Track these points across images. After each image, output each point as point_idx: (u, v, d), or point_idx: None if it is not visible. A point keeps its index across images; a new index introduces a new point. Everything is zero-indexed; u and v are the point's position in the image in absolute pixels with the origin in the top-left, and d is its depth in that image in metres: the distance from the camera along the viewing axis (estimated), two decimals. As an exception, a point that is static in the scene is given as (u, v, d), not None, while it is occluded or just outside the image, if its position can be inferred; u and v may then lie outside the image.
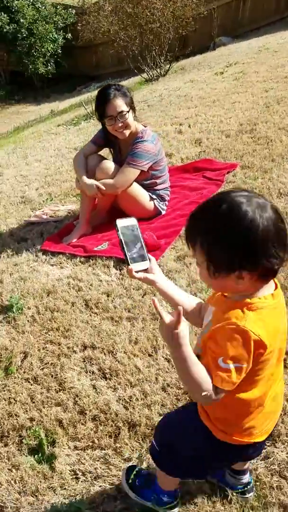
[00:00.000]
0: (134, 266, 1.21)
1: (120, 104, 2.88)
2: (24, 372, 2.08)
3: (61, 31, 13.84)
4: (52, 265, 2.85)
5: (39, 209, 3.65)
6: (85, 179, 2.98)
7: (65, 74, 14.51)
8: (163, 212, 3.20)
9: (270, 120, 4.41)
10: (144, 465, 1.60)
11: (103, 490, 1.57)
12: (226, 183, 3.44)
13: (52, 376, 2.03)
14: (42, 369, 2.08)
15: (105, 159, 3.13)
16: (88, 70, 14.36)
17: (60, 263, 2.85)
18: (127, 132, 2.97)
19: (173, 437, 1.26)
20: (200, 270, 1.10)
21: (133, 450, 1.68)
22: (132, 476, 1.48)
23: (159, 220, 3.12)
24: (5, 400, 1.96)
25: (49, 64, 13.80)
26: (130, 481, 1.48)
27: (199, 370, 1.02)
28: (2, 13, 12.80)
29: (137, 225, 1.25)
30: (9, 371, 2.10)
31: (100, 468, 1.64)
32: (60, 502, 1.54)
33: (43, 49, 13.34)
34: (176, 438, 1.25)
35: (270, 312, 1.05)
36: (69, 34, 13.69)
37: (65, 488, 1.60)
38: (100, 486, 1.58)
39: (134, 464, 1.56)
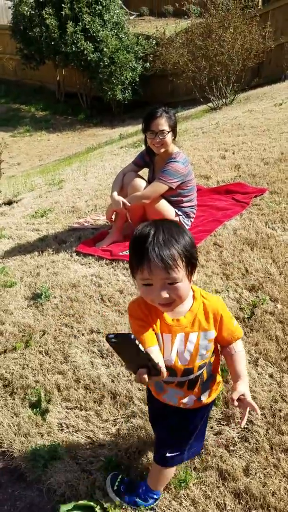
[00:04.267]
0: None
1: (164, 123, 3.26)
2: (40, 346, 2.49)
3: (141, 60, 14.71)
4: (82, 264, 3.28)
5: (83, 217, 4.12)
6: (115, 195, 3.41)
7: (141, 101, 15.30)
8: (187, 228, 3.53)
9: (311, 150, 4.61)
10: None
11: (79, 439, 1.92)
12: (251, 206, 3.71)
13: (60, 351, 2.42)
14: (54, 345, 2.48)
15: (140, 176, 3.52)
16: (163, 97, 15.02)
17: (89, 263, 3.26)
18: (162, 149, 3.34)
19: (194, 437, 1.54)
20: (180, 287, 1.20)
21: (110, 414, 2.01)
22: (116, 483, 1.67)
23: (182, 234, 3.45)
24: (20, 365, 2.38)
25: (126, 91, 14.67)
26: (115, 487, 1.65)
27: None
28: (88, 42, 13.88)
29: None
30: (28, 344, 2.52)
31: (81, 424, 1.99)
32: (43, 444, 1.91)
33: (122, 77, 14.23)
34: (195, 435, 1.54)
35: None
36: (147, 64, 14.49)
37: (50, 435, 1.96)
38: (78, 437, 1.93)
39: (116, 472, 1.74)
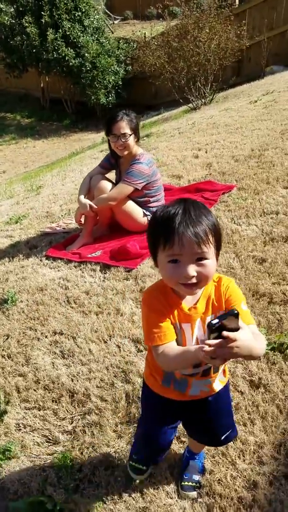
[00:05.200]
0: None
1: (125, 126, 3.31)
2: (2, 350, 2.52)
3: (122, 63, 14.80)
4: (51, 268, 3.31)
5: (56, 222, 4.16)
6: (81, 198, 3.45)
7: (126, 104, 15.35)
8: (156, 227, 3.56)
9: (280, 146, 4.66)
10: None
11: (35, 438, 1.95)
12: (219, 203, 3.75)
13: (22, 354, 2.46)
14: (17, 348, 2.51)
15: (107, 179, 3.56)
16: (147, 99, 15.12)
17: (58, 267, 3.30)
18: (125, 152, 3.39)
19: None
20: (209, 265, 1.18)
21: (67, 412, 2.05)
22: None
23: (150, 234, 3.49)
24: (-17, 369, 2.41)
25: (110, 95, 14.75)
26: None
27: None
28: (69, 48, 13.95)
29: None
30: (-8, 348, 2.55)
31: (39, 423, 2.02)
32: None
33: (105, 81, 14.31)
34: None
35: None
36: (129, 67, 14.57)
37: (7, 435, 1.99)
38: (34, 436, 1.97)
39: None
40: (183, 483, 1.65)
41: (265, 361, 2.10)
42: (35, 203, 5.06)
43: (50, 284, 3.06)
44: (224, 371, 1.46)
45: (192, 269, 1.16)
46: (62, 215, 4.34)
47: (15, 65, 15.48)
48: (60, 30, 13.87)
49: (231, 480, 1.63)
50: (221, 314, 1.08)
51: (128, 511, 1.60)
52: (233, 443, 1.75)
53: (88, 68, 14.11)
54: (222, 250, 2.99)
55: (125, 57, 14.85)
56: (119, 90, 14.95)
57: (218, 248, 1.22)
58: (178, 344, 1.28)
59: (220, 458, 1.72)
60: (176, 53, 9.01)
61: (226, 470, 1.67)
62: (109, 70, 14.33)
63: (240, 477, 1.64)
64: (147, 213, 3.52)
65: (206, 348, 1.05)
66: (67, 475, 1.75)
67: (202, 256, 1.16)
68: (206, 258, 1.17)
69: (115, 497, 1.66)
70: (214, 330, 1.04)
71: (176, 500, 1.62)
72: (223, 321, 1.04)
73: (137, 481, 1.70)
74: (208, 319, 1.29)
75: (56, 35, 13.78)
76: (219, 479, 1.64)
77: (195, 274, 1.16)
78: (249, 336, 1.09)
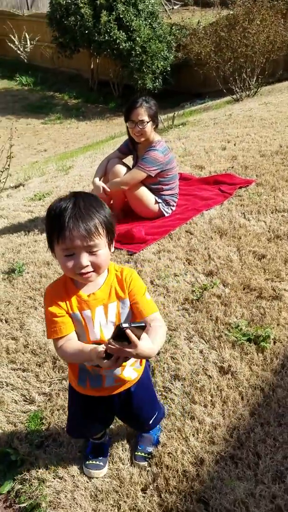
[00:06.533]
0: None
1: (143, 113, 3.39)
2: (2, 314, 2.70)
3: (173, 50, 14.71)
4: (61, 244, 3.46)
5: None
6: (96, 180, 3.57)
7: (173, 91, 15.30)
8: (167, 215, 3.64)
9: (309, 144, 4.60)
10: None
11: (14, 396, 2.11)
12: (234, 196, 3.78)
13: (18, 320, 2.63)
14: (15, 314, 2.69)
15: (123, 163, 3.66)
16: (195, 87, 14.99)
17: (68, 244, 3.45)
18: (142, 138, 3.47)
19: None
20: (102, 254, 1.28)
21: (47, 375, 2.20)
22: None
23: (159, 221, 3.57)
24: (-19, 330, 2.61)
25: (157, 80, 14.72)
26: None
27: None
28: (121, 32, 14.00)
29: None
30: (-7, 312, 2.74)
31: (20, 383, 2.18)
32: (-18, 398, 2.12)
33: (153, 66, 14.28)
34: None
35: None
36: (180, 53, 14.46)
37: (-10, 391, 2.17)
38: (14, 394, 2.13)
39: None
40: (136, 453, 1.77)
41: (239, 350, 2.17)
42: (61, 182, 5.22)
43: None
44: (140, 360, 1.55)
45: (85, 260, 1.24)
46: (83, 195, 4.48)
47: (67, 45, 15.69)
48: (114, 13, 13.90)
49: (180, 455, 1.74)
50: (133, 322, 1.18)
51: (80, 469, 1.74)
52: (191, 421, 1.85)
53: (138, 52, 14.10)
54: (225, 243, 3.08)
55: (176, 43, 14.76)
56: (166, 76, 14.89)
57: (110, 238, 1.31)
58: (80, 333, 1.38)
59: (175, 433, 1.82)
60: (224, 43, 8.90)
61: (178, 445, 1.77)
62: (159, 55, 14.28)
63: (189, 453, 1.74)
64: (159, 200, 3.60)
65: (110, 346, 1.17)
66: (34, 432, 1.90)
67: (93, 247, 1.25)
68: (98, 249, 1.26)
69: (72, 456, 1.80)
70: (120, 331, 1.15)
71: (127, 466, 1.74)
72: (131, 327, 1.15)
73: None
74: (111, 305, 1.38)
75: (110, 18, 13.84)
76: (169, 452, 1.75)
77: (89, 263, 1.25)
78: (149, 344, 1.21)
